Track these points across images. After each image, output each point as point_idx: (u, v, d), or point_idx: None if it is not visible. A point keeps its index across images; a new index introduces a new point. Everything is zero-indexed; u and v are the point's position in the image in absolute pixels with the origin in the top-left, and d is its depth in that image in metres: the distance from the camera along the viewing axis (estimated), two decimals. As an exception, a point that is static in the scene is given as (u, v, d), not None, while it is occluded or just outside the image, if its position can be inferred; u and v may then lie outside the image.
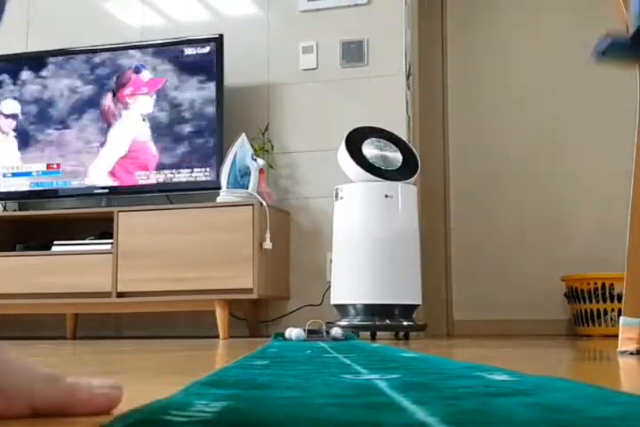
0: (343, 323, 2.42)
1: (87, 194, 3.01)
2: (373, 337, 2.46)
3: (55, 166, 3.05)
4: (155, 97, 2.98)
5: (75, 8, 3.34)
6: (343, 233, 2.53)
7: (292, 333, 2.00)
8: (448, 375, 0.75)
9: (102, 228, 2.89)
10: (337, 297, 2.52)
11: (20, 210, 3.16)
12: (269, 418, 0.41)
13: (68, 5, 3.35)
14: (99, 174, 2.99)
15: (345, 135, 2.57)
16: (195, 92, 2.93)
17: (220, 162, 2.83)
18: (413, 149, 2.67)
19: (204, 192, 2.87)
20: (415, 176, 2.57)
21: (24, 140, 3.10)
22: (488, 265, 3.35)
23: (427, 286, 2.73)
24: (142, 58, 3.02)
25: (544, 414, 0.43)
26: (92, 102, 3.05)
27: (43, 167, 3.06)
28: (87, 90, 3.07)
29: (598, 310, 2.98)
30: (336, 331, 2.09)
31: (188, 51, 2.97)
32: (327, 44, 3.01)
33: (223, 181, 2.78)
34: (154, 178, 2.94)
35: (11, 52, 3.16)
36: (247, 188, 2.77)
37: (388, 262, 2.45)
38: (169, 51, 3.00)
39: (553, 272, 3.19)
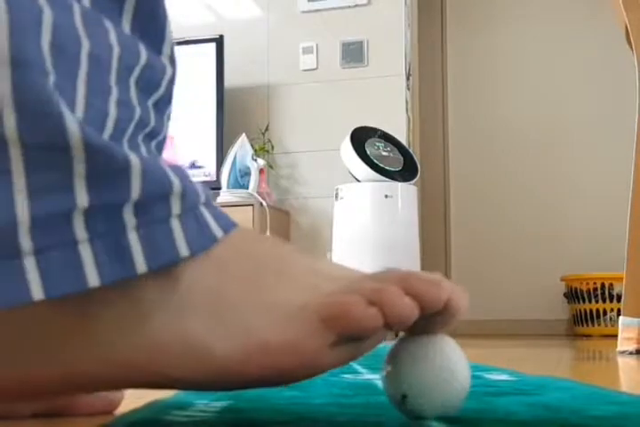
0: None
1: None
2: (373, 337, 2.45)
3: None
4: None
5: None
6: (343, 233, 2.53)
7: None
8: (448, 375, 0.74)
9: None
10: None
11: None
12: (269, 418, 0.41)
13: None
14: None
15: (349, 134, 2.56)
16: (194, 93, 2.93)
17: (220, 162, 2.83)
18: (412, 152, 2.68)
19: (203, 192, 2.87)
20: (416, 178, 2.58)
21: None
22: (488, 265, 3.35)
23: (427, 287, 2.72)
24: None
25: (544, 414, 0.43)
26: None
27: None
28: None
29: (598, 309, 2.98)
30: None
31: (188, 51, 2.96)
32: (327, 44, 3.01)
33: (223, 182, 2.78)
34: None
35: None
36: (247, 188, 2.77)
37: (388, 263, 2.45)
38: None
39: (553, 272, 3.19)
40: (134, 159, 0.33)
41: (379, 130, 2.64)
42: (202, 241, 0.35)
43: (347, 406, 0.46)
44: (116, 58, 0.35)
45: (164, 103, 0.40)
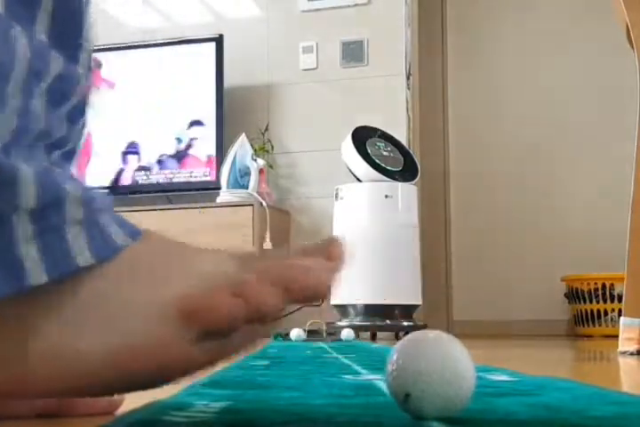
0: (343, 323, 2.42)
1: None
2: (373, 338, 2.46)
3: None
4: (152, 96, 2.98)
5: (75, 8, 3.33)
6: (343, 233, 2.53)
7: (292, 333, 1.99)
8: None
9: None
10: (337, 297, 2.51)
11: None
12: (269, 418, 0.41)
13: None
14: (97, 174, 2.98)
15: (350, 133, 2.56)
16: (194, 92, 2.93)
17: (220, 162, 2.83)
18: (412, 153, 2.68)
19: (204, 192, 2.87)
20: (417, 179, 2.58)
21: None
22: (488, 265, 3.35)
23: (427, 286, 2.73)
24: (142, 58, 3.02)
25: (544, 415, 0.43)
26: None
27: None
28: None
29: (598, 310, 2.97)
30: (348, 333, 2.05)
31: (188, 50, 2.96)
32: (327, 44, 3.00)
33: (223, 182, 2.78)
34: (154, 178, 2.93)
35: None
36: (247, 188, 2.77)
37: (388, 263, 2.45)
38: (169, 51, 3.00)
39: (553, 272, 3.19)
40: (24, 169, 0.32)
41: (379, 130, 2.64)
42: (103, 249, 0.35)
43: (346, 407, 0.46)
44: (20, 66, 0.35)
45: (78, 112, 0.40)
